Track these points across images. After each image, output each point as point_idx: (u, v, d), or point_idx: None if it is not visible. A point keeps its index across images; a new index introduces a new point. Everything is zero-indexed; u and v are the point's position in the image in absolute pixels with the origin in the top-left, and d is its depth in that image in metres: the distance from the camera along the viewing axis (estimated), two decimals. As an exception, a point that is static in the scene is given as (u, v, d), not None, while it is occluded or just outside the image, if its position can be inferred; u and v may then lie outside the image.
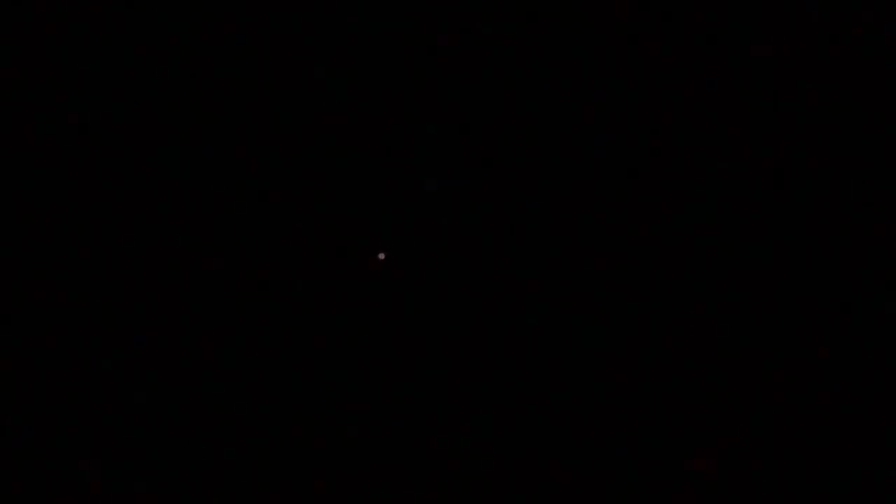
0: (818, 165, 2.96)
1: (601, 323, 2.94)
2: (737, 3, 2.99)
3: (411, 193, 2.99)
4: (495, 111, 3.00)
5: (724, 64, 2.99)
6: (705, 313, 2.94)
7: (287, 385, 2.92)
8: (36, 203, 2.96)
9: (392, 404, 2.92)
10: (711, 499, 2.86)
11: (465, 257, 2.98)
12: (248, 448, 2.89)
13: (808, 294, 2.93)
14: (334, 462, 2.89)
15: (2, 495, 2.83)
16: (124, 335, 2.92)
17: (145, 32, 2.99)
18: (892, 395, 2.88)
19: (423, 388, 2.93)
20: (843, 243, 2.94)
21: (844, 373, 2.90)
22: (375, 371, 2.94)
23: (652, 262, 2.96)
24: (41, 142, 2.97)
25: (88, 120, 2.98)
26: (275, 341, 2.93)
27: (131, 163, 2.97)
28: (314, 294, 2.95)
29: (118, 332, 2.92)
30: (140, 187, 2.97)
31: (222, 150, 2.99)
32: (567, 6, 3.00)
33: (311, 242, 2.97)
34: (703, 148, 2.98)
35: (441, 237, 2.98)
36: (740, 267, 2.95)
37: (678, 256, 2.96)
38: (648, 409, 2.90)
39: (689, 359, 2.92)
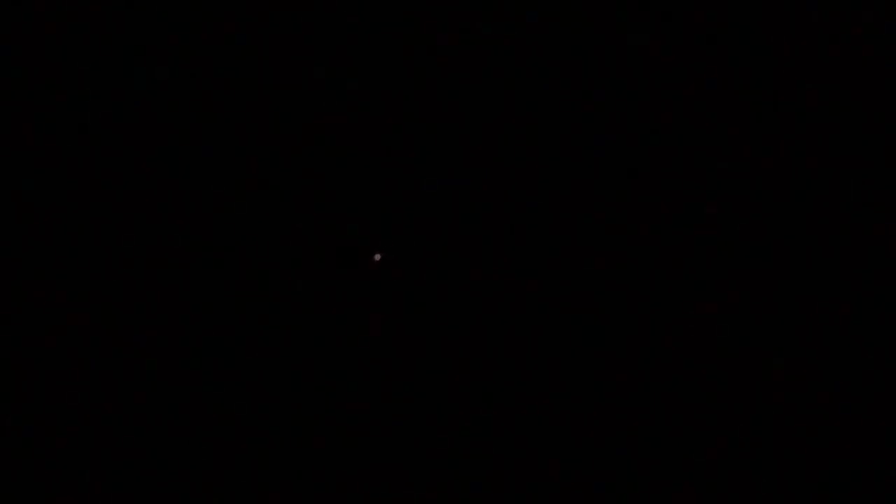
0: (818, 165, 2.96)
1: (601, 323, 2.94)
2: (737, 3, 2.99)
3: (411, 193, 2.99)
4: (495, 111, 3.00)
5: (724, 64, 2.99)
6: (705, 313, 2.93)
7: (287, 385, 2.92)
8: (36, 203, 2.96)
9: (392, 404, 2.92)
10: (712, 499, 2.86)
11: (464, 257, 2.97)
12: (248, 448, 2.89)
13: (808, 294, 2.93)
14: (334, 462, 2.89)
15: (2, 495, 2.83)
16: (124, 335, 2.92)
17: (145, 32, 2.99)
18: (893, 395, 2.88)
19: (423, 388, 2.93)
20: (843, 243, 2.94)
21: (844, 373, 2.90)
22: (375, 371, 2.94)
23: (652, 262, 2.96)
24: (41, 142, 2.97)
25: (88, 120, 2.98)
26: (275, 341, 2.93)
27: (131, 163, 2.97)
28: (314, 294, 2.95)
29: (118, 332, 2.92)
30: (140, 187, 2.97)
31: (222, 150, 2.99)
32: (567, 6, 3.00)
33: (311, 242, 2.97)
34: (703, 148, 2.98)
35: (441, 237, 2.98)
36: (740, 267, 2.95)
37: (678, 256, 2.96)
38: (648, 409, 2.90)
39: (689, 359, 2.92)
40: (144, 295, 2.94)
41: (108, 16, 2.98)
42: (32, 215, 2.95)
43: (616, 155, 2.99)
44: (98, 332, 2.92)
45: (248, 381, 2.92)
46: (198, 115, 2.98)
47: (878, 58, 2.97)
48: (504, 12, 3.00)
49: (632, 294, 2.95)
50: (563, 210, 2.98)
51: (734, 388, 2.90)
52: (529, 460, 2.88)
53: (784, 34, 2.99)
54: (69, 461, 2.86)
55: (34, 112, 2.97)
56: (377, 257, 2.96)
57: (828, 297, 2.92)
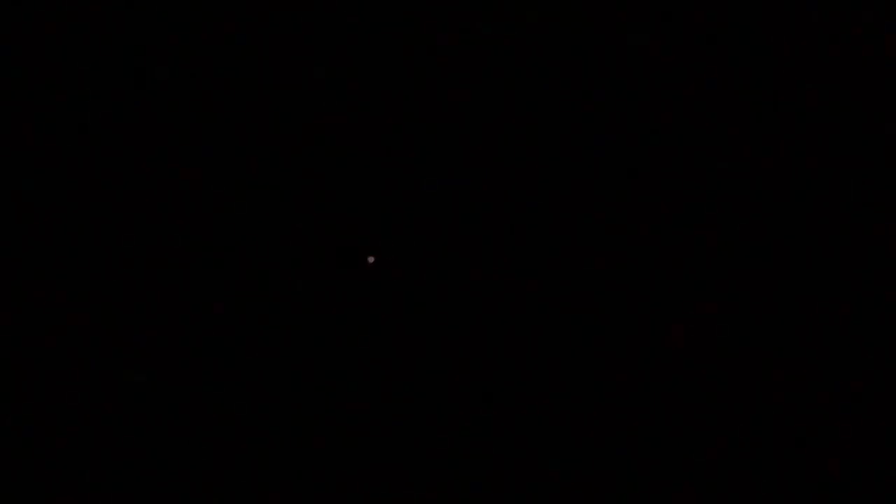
0: (818, 165, 2.96)
1: (601, 323, 2.94)
2: (737, 3, 2.99)
3: (410, 193, 2.99)
4: (495, 111, 3.00)
5: (724, 64, 2.99)
6: (705, 313, 2.94)
7: (287, 385, 2.92)
8: (36, 203, 2.96)
9: (392, 404, 2.92)
10: (711, 498, 2.86)
11: (464, 257, 2.98)
12: (248, 448, 2.89)
13: (809, 294, 2.93)
14: (334, 462, 2.89)
15: (2, 495, 2.83)
16: (124, 335, 2.92)
17: (145, 32, 2.99)
18: (893, 395, 2.88)
19: (423, 387, 2.93)
20: (843, 243, 2.94)
21: (844, 373, 2.90)
22: (375, 371, 2.94)
23: (652, 262, 2.96)
24: (41, 142, 2.97)
25: (88, 120, 2.98)
26: (274, 341, 2.93)
27: (131, 163, 2.98)
28: (314, 294, 2.95)
29: (118, 332, 2.92)
30: (140, 187, 2.97)
31: (222, 150, 2.99)
32: (567, 6, 3.00)
33: (311, 242, 2.97)
34: (703, 148, 2.98)
35: (440, 237, 2.98)
36: (740, 267, 2.95)
37: (678, 256, 2.96)
38: (648, 409, 2.90)
39: (689, 359, 2.92)
40: (144, 295, 2.94)
41: (108, 16, 2.99)
42: (32, 215, 2.95)
43: (616, 155, 2.99)
44: (98, 332, 2.92)
45: (248, 381, 2.92)
46: (198, 115, 2.99)
47: (878, 58, 2.97)
48: (504, 12, 3.00)
49: (632, 294, 2.95)
50: (563, 210, 2.98)
51: (734, 388, 2.90)
52: (529, 460, 2.89)
53: (784, 34, 2.99)
54: (69, 461, 2.86)
55: (34, 112, 2.97)
56: (371, 259, 2.96)
57: (828, 297, 2.92)
